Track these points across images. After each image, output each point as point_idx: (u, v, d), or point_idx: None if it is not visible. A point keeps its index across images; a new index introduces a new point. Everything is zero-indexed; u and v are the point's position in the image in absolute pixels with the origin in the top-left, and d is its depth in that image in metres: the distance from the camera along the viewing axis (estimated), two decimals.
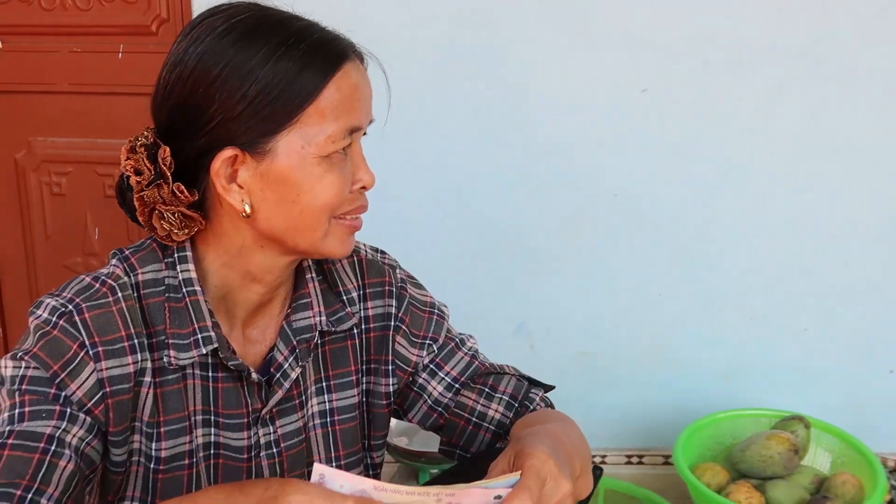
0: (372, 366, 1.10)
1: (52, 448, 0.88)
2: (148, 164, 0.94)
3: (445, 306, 1.17)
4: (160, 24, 1.86)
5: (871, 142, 1.83)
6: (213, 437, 1.00)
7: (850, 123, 1.82)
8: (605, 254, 1.94)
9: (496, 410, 1.11)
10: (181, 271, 0.97)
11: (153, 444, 0.97)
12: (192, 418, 0.99)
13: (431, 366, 1.12)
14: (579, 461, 0.93)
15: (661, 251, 1.93)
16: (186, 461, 0.99)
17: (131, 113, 1.89)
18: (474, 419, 1.12)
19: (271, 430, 1.03)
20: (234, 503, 0.78)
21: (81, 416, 0.91)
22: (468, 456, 1.14)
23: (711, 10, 1.76)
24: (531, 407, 1.12)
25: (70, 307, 0.93)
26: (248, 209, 0.93)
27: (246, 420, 1.02)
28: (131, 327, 0.94)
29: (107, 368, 0.92)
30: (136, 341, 0.94)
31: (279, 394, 1.02)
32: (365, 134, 0.99)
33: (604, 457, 2.06)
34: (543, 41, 1.79)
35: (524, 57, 1.81)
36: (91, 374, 0.91)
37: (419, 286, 1.15)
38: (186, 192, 0.94)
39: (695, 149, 1.85)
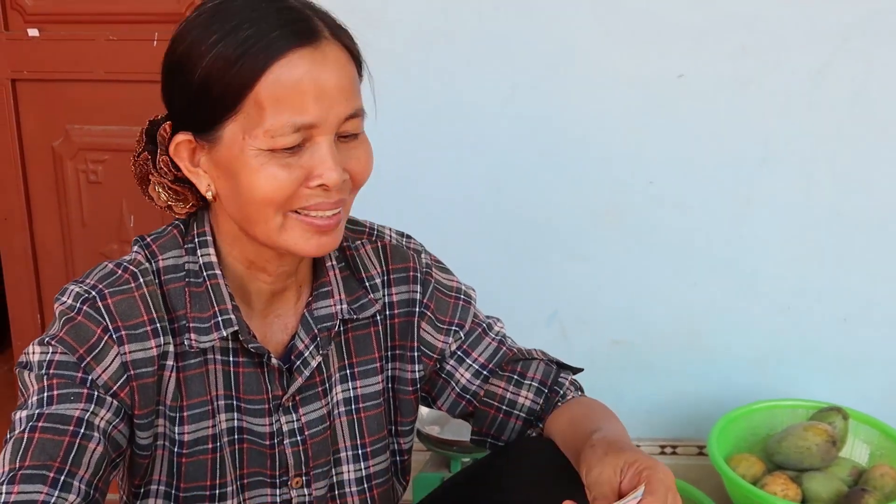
0: (397, 352, 1.10)
1: (82, 431, 0.90)
2: (143, 137, 0.98)
3: (472, 290, 1.16)
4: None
5: None
6: (236, 421, 1.01)
7: (892, 109, 1.78)
8: (640, 241, 1.92)
9: (526, 397, 1.11)
10: (201, 255, 0.98)
11: (176, 428, 0.98)
12: (215, 403, 1.00)
13: (459, 352, 1.12)
14: None
15: (696, 239, 1.91)
16: (210, 445, 1.00)
17: None
18: (504, 407, 1.12)
19: (294, 418, 1.04)
20: None
21: (108, 399, 0.93)
22: (500, 445, 1.14)
23: None
24: (561, 392, 1.12)
25: (93, 293, 0.94)
26: (211, 195, 0.94)
27: (267, 406, 1.02)
28: (153, 312, 0.95)
29: (130, 352, 0.94)
30: (158, 325, 0.95)
31: (299, 381, 1.02)
32: (354, 136, 0.94)
33: (637, 446, 2.03)
34: (579, 26, 1.77)
35: (558, 42, 1.79)
36: (115, 357, 0.93)
37: (445, 270, 1.15)
38: (171, 168, 0.96)
39: (732, 135, 1.82)
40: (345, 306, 1.04)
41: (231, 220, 0.97)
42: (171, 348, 0.96)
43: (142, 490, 1.01)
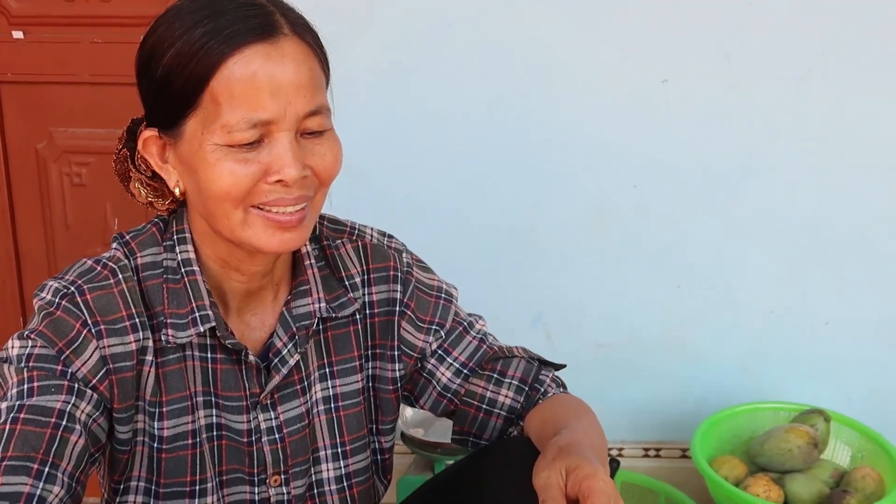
0: (377, 351, 1.11)
1: (64, 423, 0.90)
2: (124, 134, 1.00)
3: (454, 288, 1.16)
4: None
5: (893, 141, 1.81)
6: (214, 418, 1.02)
7: (874, 116, 1.79)
8: (624, 246, 1.93)
9: (506, 396, 1.11)
10: (180, 252, 0.99)
11: (156, 423, 0.99)
12: (194, 399, 1.00)
13: (440, 351, 1.12)
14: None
15: (680, 243, 1.92)
16: (190, 441, 1.00)
17: None
18: (485, 406, 1.12)
19: (272, 416, 1.04)
20: None
21: (88, 392, 0.93)
22: (482, 444, 1.14)
23: None
24: (542, 389, 1.12)
25: (72, 288, 0.95)
26: (178, 191, 0.96)
27: (245, 403, 1.03)
28: (132, 307, 0.96)
29: (109, 346, 0.94)
30: (136, 320, 0.96)
31: (276, 379, 1.02)
32: (319, 133, 0.93)
33: (621, 449, 2.05)
34: (564, 31, 1.78)
35: (544, 48, 1.80)
36: (94, 351, 0.94)
37: (427, 269, 1.15)
38: (149, 165, 0.98)
39: (716, 140, 1.84)
40: (323, 304, 1.04)
41: (200, 220, 0.98)
42: (150, 343, 0.97)
43: (122, 486, 1.01)
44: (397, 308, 1.10)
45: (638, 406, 2.03)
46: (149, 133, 0.94)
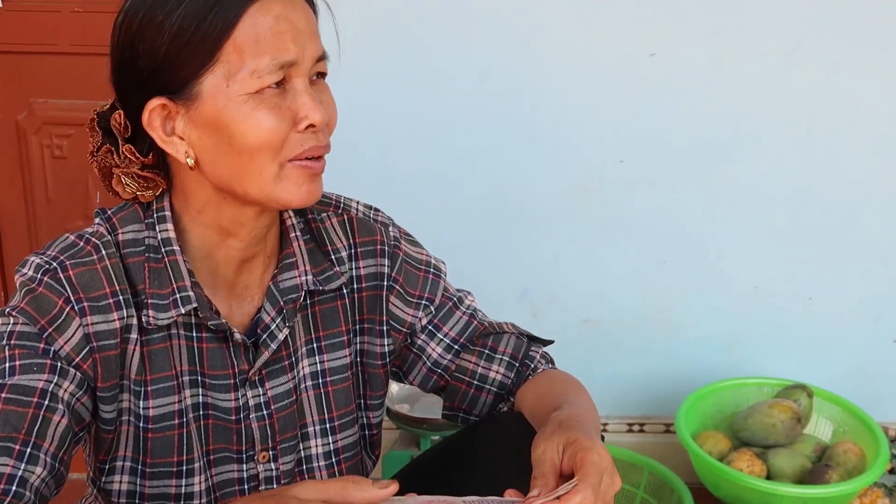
0: (365, 326, 1.10)
1: (46, 402, 0.89)
2: (96, 131, 0.96)
3: (443, 263, 1.16)
4: None
5: (885, 110, 1.81)
6: (201, 397, 1.01)
7: (862, 91, 1.79)
8: (610, 221, 1.92)
9: (497, 372, 1.12)
10: (160, 231, 0.97)
11: (141, 403, 0.98)
12: (180, 378, 0.99)
13: (430, 327, 1.12)
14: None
15: (666, 219, 1.92)
16: (176, 420, 0.99)
17: None
18: (476, 382, 1.12)
19: (260, 392, 1.03)
20: None
21: (71, 370, 0.92)
22: (472, 419, 1.14)
23: None
24: (532, 366, 1.12)
25: (55, 264, 0.93)
26: (191, 161, 0.92)
27: (233, 381, 1.02)
28: (115, 284, 0.94)
29: (93, 324, 0.93)
30: (120, 298, 0.94)
31: (266, 355, 1.01)
32: (323, 75, 0.96)
33: (605, 425, 2.06)
34: (553, 4, 1.76)
35: (531, 21, 1.78)
36: (77, 328, 0.92)
37: (415, 243, 1.14)
38: (137, 154, 0.94)
39: (703, 115, 1.83)
40: (310, 277, 1.03)
41: (205, 187, 0.95)
42: (135, 321, 0.96)
43: (107, 465, 1.00)
44: (385, 283, 1.09)
45: (622, 381, 2.04)
46: (155, 102, 0.91)
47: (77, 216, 1.98)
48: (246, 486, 1.05)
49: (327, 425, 1.08)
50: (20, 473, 0.85)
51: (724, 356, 2.01)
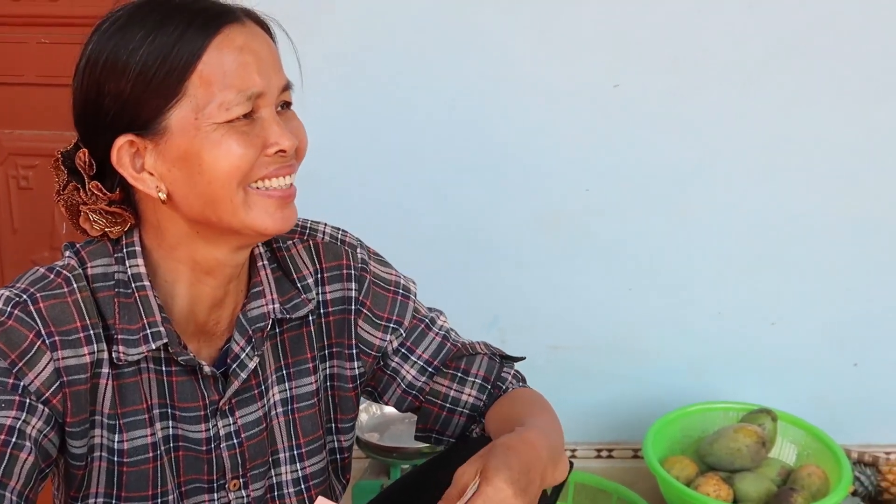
0: (334, 350, 1.10)
1: (13, 440, 0.88)
2: (61, 170, 0.97)
3: (413, 283, 1.17)
4: None
5: (842, 138, 1.85)
6: (171, 430, 1.01)
7: (821, 120, 1.84)
8: (577, 248, 1.95)
9: (469, 395, 1.13)
10: (130, 266, 0.97)
11: (115, 437, 0.97)
12: (151, 412, 0.99)
13: (402, 350, 1.13)
14: (550, 461, 0.94)
15: (631, 246, 1.94)
16: (150, 453, 0.99)
17: None
18: (448, 405, 1.13)
19: (231, 421, 1.03)
20: None
21: (40, 406, 0.91)
22: (443, 440, 1.16)
23: (681, 4, 1.77)
24: (503, 387, 1.14)
25: (25, 297, 0.93)
26: (163, 195, 0.93)
27: (203, 413, 1.02)
28: (87, 318, 0.94)
29: (63, 358, 0.92)
30: (91, 332, 0.94)
31: (236, 384, 1.02)
32: (288, 105, 0.98)
33: (574, 450, 2.07)
34: (517, 34, 1.80)
35: (498, 50, 1.81)
36: (48, 363, 0.92)
37: (384, 263, 1.15)
38: (104, 190, 0.94)
39: (666, 144, 1.86)
40: (277, 306, 1.04)
41: (181, 221, 0.95)
42: (106, 356, 0.95)
43: (79, 503, 0.99)
44: (353, 307, 1.10)
45: (590, 407, 2.05)
46: (123, 140, 0.91)
47: (43, 247, 1.97)
48: None
49: (295, 451, 1.09)
50: None
51: (691, 381, 2.03)
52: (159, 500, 1.00)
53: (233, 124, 0.90)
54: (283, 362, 1.08)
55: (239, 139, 0.90)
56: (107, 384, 0.95)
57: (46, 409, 0.91)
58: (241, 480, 1.06)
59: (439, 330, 1.15)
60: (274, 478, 1.09)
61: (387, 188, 1.90)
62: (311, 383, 1.09)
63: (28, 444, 0.89)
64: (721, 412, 1.89)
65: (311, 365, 1.09)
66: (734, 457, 1.73)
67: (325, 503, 0.85)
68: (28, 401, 0.90)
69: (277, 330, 1.07)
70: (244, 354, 1.01)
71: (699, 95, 1.83)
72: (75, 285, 0.95)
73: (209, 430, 1.02)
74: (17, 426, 0.89)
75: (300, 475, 1.10)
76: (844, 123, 1.84)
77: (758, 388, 2.02)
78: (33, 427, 0.90)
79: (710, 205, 1.90)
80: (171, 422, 1.00)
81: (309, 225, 1.12)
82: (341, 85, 1.82)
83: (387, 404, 1.17)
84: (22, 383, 0.91)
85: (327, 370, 1.11)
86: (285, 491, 1.09)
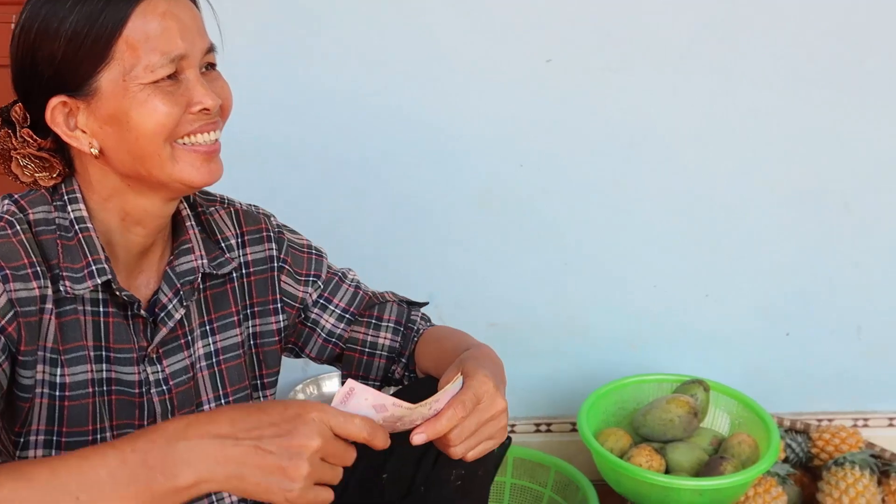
0: (256, 309, 1.19)
1: None
2: None
3: (322, 248, 1.28)
4: None
5: (774, 115, 1.87)
6: (105, 372, 1.05)
7: (753, 96, 1.86)
8: (513, 225, 1.95)
9: (385, 338, 1.26)
10: (72, 210, 1.03)
11: (58, 371, 1.01)
12: (90, 352, 1.03)
13: (321, 301, 1.24)
14: (503, 377, 1.10)
15: (566, 221, 1.95)
16: (90, 389, 1.04)
17: None
18: (367, 350, 1.25)
19: (159, 369, 1.09)
20: (253, 421, 0.82)
21: None
22: (368, 385, 1.21)
23: None
24: (415, 328, 1.27)
25: None
26: (95, 151, 1.00)
27: (135, 356, 1.07)
28: (32, 256, 0.99)
29: (15, 290, 0.97)
30: (38, 269, 0.99)
31: (163, 332, 1.08)
32: (213, 66, 1.04)
33: (513, 426, 2.09)
34: (447, 12, 1.78)
35: (428, 26, 1.80)
36: (2, 293, 0.95)
37: (295, 232, 1.26)
38: (35, 137, 1.01)
39: (600, 119, 1.87)
40: (205, 261, 1.12)
41: (112, 175, 1.02)
42: (49, 293, 1.00)
43: (21, 439, 1.02)
44: (276, 264, 1.20)
45: (530, 383, 2.07)
46: (56, 101, 0.98)
47: None
48: None
49: (223, 401, 1.15)
50: None
51: (629, 354, 2.06)
52: (98, 437, 1.04)
53: (158, 85, 0.97)
54: (206, 317, 1.14)
55: (164, 98, 0.97)
56: (50, 319, 1.00)
57: (2, 338, 0.95)
58: None
59: (351, 282, 1.27)
60: None
61: (324, 168, 1.88)
62: (237, 335, 1.16)
63: None
64: (655, 384, 1.91)
65: (235, 318, 1.16)
66: (666, 427, 1.75)
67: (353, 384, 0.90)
68: None
69: (202, 286, 1.13)
70: (171, 305, 1.08)
71: (632, 71, 1.84)
72: (18, 227, 0.99)
73: (140, 373, 1.07)
74: None
75: None
76: (777, 100, 1.86)
77: (693, 359, 2.05)
78: None
79: (644, 180, 1.92)
80: (105, 364, 1.05)
81: (226, 197, 1.22)
82: (272, 61, 1.79)
83: (309, 357, 1.27)
84: None
85: (250, 329, 1.18)
86: None
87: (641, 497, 1.67)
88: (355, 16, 1.78)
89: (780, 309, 2.04)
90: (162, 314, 1.08)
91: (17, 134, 1.01)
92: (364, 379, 1.27)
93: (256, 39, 1.77)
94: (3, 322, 0.95)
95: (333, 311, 1.25)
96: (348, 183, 1.90)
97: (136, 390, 1.07)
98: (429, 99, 1.85)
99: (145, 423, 1.08)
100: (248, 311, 1.18)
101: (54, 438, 1.02)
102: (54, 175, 1.03)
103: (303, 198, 1.89)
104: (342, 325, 1.25)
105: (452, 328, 1.29)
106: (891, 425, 2.12)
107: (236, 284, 1.17)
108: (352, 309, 1.25)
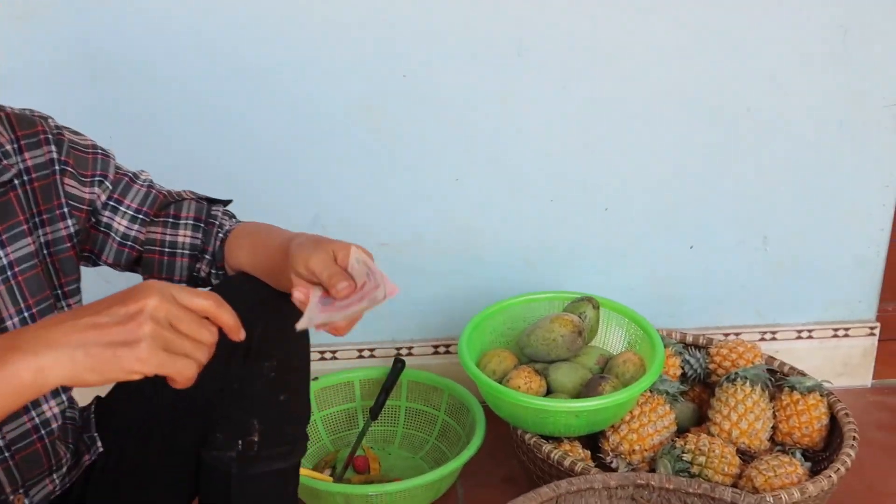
0: (44, 216, 1.12)
1: None
2: None
3: (110, 149, 1.21)
4: None
5: (672, 17, 1.76)
6: None
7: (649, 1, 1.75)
8: (399, 140, 1.85)
9: (185, 235, 1.21)
10: None
11: None
12: None
13: (111, 202, 1.19)
14: None
15: (456, 135, 1.85)
16: None
17: None
18: (167, 249, 1.21)
19: None
20: (93, 305, 0.80)
21: None
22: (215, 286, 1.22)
23: None
24: (217, 223, 1.23)
25: None
26: None
27: None
28: None
29: None
30: None
31: None
32: None
33: (410, 348, 2.03)
34: None
35: None
36: None
37: (76, 132, 1.19)
38: None
39: (487, 25, 1.75)
40: None
41: None
42: None
43: None
44: (57, 167, 1.13)
45: (425, 304, 2.00)
46: None
47: None
48: None
49: (26, 314, 1.09)
50: None
51: (525, 272, 1.98)
52: None
53: None
54: None
55: None
56: None
57: None
58: None
59: (143, 182, 1.21)
60: None
61: (198, 87, 1.76)
62: (29, 245, 1.10)
63: None
64: (546, 302, 1.84)
65: (25, 227, 1.09)
66: (550, 347, 1.69)
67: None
68: None
69: None
70: None
71: None
72: None
73: None
74: None
75: None
76: (675, 3, 1.75)
77: (593, 275, 1.99)
78: None
79: (539, 88, 1.81)
80: None
81: None
82: None
83: (107, 264, 1.22)
84: None
85: (41, 237, 1.12)
86: None
87: (519, 420, 1.62)
88: None
89: (682, 221, 1.96)
90: None
91: None
92: (167, 281, 1.21)
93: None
94: None
95: (125, 212, 1.19)
96: (223, 98, 1.78)
97: None
98: (304, 5, 1.72)
99: None
100: (37, 219, 1.12)
101: None
102: None
103: (172, 118, 1.78)
104: (137, 227, 1.20)
105: (261, 223, 1.25)
106: (799, 338, 2.07)
107: (20, 192, 1.10)
108: (145, 209, 1.20)
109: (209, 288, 1.22)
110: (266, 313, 1.11)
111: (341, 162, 1.87)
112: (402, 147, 1.86)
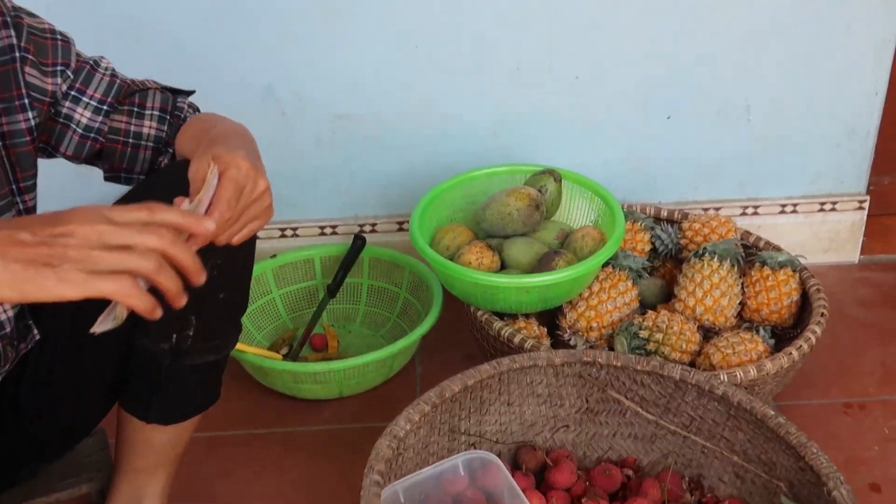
0: (2, 106, 1.05)
1: None
2: None
3: (68, 33, 1.13)
4: None
5: None
6: None
7: None
8: (354, 5, 1.74)
9: (150, 127, 1.16)
10: None
11: None
12: None
13: (73, 92, 1.12)
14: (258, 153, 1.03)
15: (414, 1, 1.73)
16: None
17: None
18: (131, 140, 1.16)
19: None
20: (18, 220, 0.78)
21: None
22: (133, 178, 1.19)
23: None
24: (182, 116, 1.18)
25: None
26: None
27: None
28: None
29: None
30: None
31: None
32: None
33: (374, 225, 1.96)
34: None
35: None
36: None
37: (34, 15, 1.11)
38: None
39: None
40: None
41: None
42: None
43: None
44: (17, 54, 1.05)
45: (387, 178, 1.92)
46: None
47: None
48: None
49: None
50: None
51: (491, 145, 1.89)
52: None
53: None
54: None
55: None
56: None
57: None
58: None
59: (105, 70, 1.15)
60: None
61: None
62: None
63: None
64: (507, 175, 1.75)
65: None
66: (505, 222, 1.61)
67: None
68: None
69: None
70: None
71: None
72: None
73: None
74: None
75: None
76: None
77: (564, 147, 1.89)
78: None
79: None
80: None
81: None
82: None
83: (65, 156, 1.16)
84: None
85: None
86: None
87: (470, 297, 1.56)
88: None
89: (659, 90, 1.84)
90: None
91: None
92: (128, 172, 1.18)
93: None
94: None
95: (88, 103, 1.13)
96: None
97: None
98: None
99: None
100: None
101: None
102: None
103: None
104: (100, 118, 1.14)
105: (216, 114, 1.18)
106: (782, 212, 1.97)
107: None
108: (109, 100, 1.14)
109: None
110: None
111: (292, 31, 1.76)
112: (357, 13, 1.74)
